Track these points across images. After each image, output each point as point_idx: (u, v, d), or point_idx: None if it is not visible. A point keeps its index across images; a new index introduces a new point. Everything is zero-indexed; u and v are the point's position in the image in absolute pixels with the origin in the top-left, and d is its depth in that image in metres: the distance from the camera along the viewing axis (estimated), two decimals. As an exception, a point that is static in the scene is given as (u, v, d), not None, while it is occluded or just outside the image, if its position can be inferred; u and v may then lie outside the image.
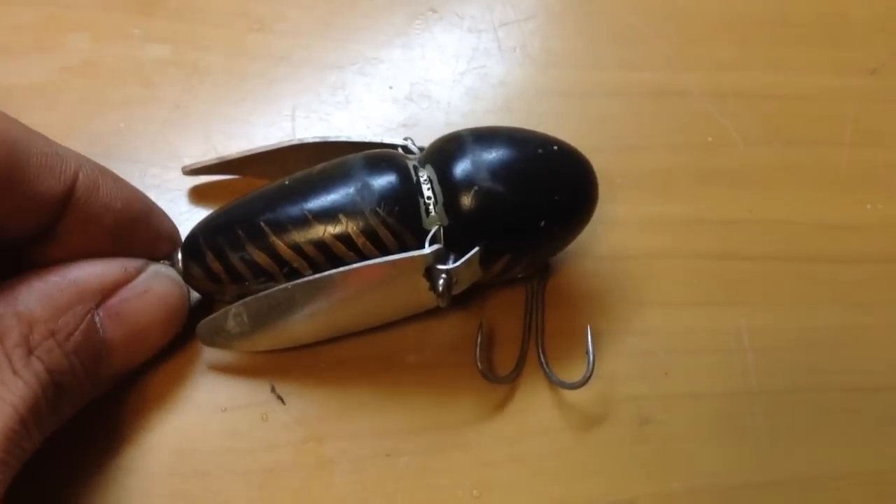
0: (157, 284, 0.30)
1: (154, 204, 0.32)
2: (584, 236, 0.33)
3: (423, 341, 0.34)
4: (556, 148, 0.31)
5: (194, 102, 0.38)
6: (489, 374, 0.33)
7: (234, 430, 0.32)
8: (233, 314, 0.31)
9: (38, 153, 0.27)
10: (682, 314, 0.36)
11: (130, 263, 0.30)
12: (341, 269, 0.29)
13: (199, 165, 0.35)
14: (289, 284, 0.29)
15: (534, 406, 0.33)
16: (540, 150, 0.31)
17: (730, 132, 0.40)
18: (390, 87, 0.40)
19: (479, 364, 0.32)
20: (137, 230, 0.30)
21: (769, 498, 0.33)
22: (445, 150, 0.31)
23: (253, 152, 0.34)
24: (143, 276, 0.30)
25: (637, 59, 0.42)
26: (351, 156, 0.31)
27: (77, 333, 0.27)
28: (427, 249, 0.29)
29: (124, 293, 0.29)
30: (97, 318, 0.28)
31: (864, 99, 0.42)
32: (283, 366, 0.33)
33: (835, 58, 0.43)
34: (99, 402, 0.31)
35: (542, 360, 0.33)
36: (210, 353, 0.33)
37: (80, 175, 0.28)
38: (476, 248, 0.30)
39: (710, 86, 0.41)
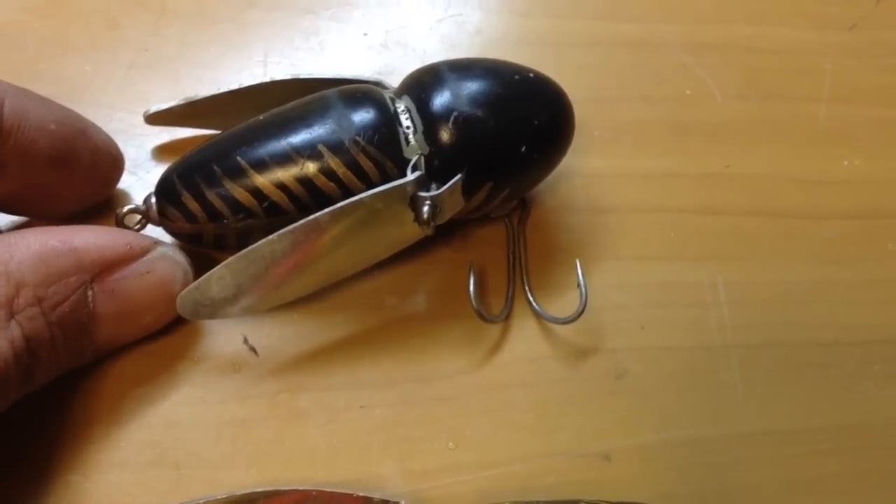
0: (160, 267, 0.29)
1: (87, 120, 0.31)
2: (562, 189, 0.33)
3: (399, 292, 0.34)
4: (531, 75, 0.32)
5: (162, 45, 0.37)
6: (485, 314, 0.32)
7: (205, 380, 0.31)
8: (216, 278, 0.29)
9: None
10: (658, 268, 0.35)
11: (137, 240, 0.29)
12: (325, 210, 0.28)
13: (163, 109, 0.33)
14: (273, 236, 0.28)
15: (510, 359, 0.33)
16: (517, 77, 0.31)
17: (708, 85, 0.40)
18: (365, 34, 0.39)
19: (473, 303, 0.31)
20: (76, 149, 0.29)
21: (743, 450, 0.33)
22: (422, 81, 0.31)
23: (221, 92, 0.33)
24: (148, 257, 0.29)
25: (615, 10, 0.42)
26: (326, 91, 0.31)
27: (65, 304, 0.27)
28: (409, 177, 0.29)
29: (125, 271, 0.28)
30: (90, 292, 0.27)
31: (842, 55, 0.42)
32: (255, 317, 0.32)
33: (814, 13, 0.43)
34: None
35: (531, 298, 0.33)
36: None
37: (7, 103, 0.27)
38: (458, 175, 0.30)
39: (689, 38, 0.41)
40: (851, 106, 0.40)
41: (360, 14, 0.39)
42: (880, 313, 0.36)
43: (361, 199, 0.29)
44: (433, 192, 0.29)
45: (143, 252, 0.29)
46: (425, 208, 0.29)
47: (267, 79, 0.33)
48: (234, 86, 0.33)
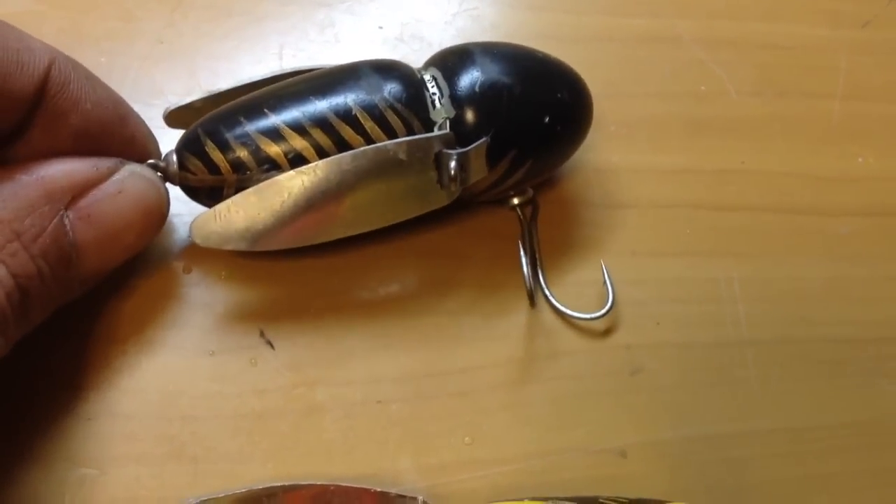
0: (131, 185, 0.28)
1: (132, 110, 0.30)
2: (578, 184, 0.33)
3: (416, 288, 0.34)
4: (553, 57, 0.33)
5: (178, 38, 0.37)
6: (534, 296, 0.32)
7: (222, 374, 0.31)
8: (231, 205, 0.29)
9: (8, 49, 0.26)
10: (673, 264, 0.35)
11: (102, 162, 0.28)
12: (349, 152, 0.29)
13: (182, 105, 0.32)
14: (294, 171, 0.29)
15: (526, 355, 0.33)
16: (540, 55, 0.33)
17: (723, 81, 0.40)
18: (380, 28, 0.39)
19: (527, 283, 0.32)
20: (107, 134, 0.29)
21: (758, 447, 0.33)
22: (449, 57, 0.32)
23: (241, 84, 0.32)
24: (116, 176, 0.28)
25: (629, 5, 0.41)
26: (354, 61, 0.32)
27: (45, 236, 0.26)
28: (437, 132, 0.30)
29: (96, 193, 0.27)
30: (67, 220, 0.27)
31: (856, 51, 0.42)
32: (272, 310, 0.32)
33: (828, 9, 0.43)
34: (84, 343, 0.30)
35: (549, 295, 0.34)
36: (198, 293, 0.32)
37: (53, 70, 0.27)
38: (484, 138, 0.30)
39: (703, 33, 0.41)
40: (865, 103, 0.40)
41: (376, 7, 0.39)
42: (895, 310, 0.36)
43: (386, 146, 0.29)
44: (459, 150, 0.30)
45: (111, 172, 0.28)
46: (452, 163, 0.30)
47: (289, 69, 0.33)
48: (256, 77, 0.32)
